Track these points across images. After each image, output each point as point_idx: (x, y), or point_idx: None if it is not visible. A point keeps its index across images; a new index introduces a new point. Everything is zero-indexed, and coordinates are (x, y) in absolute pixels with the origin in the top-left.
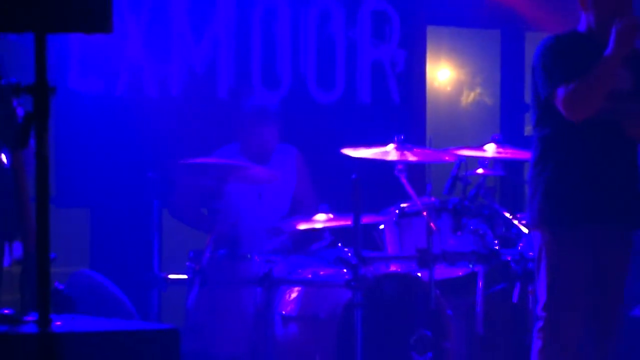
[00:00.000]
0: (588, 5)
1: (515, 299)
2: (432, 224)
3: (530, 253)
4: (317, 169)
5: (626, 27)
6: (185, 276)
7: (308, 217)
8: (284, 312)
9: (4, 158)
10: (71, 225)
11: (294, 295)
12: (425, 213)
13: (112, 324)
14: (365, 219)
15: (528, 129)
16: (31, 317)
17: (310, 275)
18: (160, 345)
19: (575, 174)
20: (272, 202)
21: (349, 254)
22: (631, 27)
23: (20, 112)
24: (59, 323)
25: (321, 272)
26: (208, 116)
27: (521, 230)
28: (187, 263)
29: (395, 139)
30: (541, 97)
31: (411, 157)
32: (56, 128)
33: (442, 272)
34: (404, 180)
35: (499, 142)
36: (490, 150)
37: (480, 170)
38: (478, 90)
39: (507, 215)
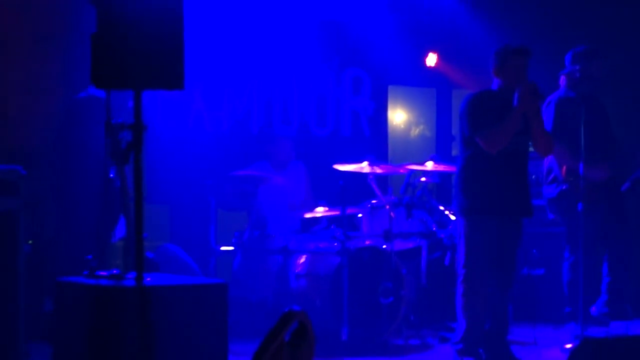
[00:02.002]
0: (498, 73)
1: (447, 262)
2: (392, 214)
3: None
4: (318, 178)
5: (525, 91)
6: (232, 248)
7: (311, 210)
8: (296, 272)
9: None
10: (158, 215)
11: (302, 260)
12: (387, 206)
13: (184, 279)
14: (349, 210)
15: (454, 152)
16: (131, 275)
17: (313, 247)
18: (215, 293)
19: (483, 180)
20: (289, 199)
21: (339, 233)
22: (528, 91)
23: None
24: (149, 279)
25: (320, 245)
26: (245, 144)
27: (450, 218)
28: (233, 239)
29: (368, 158)
30: (466, 133)
31: (378, 170)
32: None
33: (399, 245)
34: (373, 185)
35: (436, 160)
36: (430, 165)
37: (423, 179)
38: (422, 126)
39: (441, 208)
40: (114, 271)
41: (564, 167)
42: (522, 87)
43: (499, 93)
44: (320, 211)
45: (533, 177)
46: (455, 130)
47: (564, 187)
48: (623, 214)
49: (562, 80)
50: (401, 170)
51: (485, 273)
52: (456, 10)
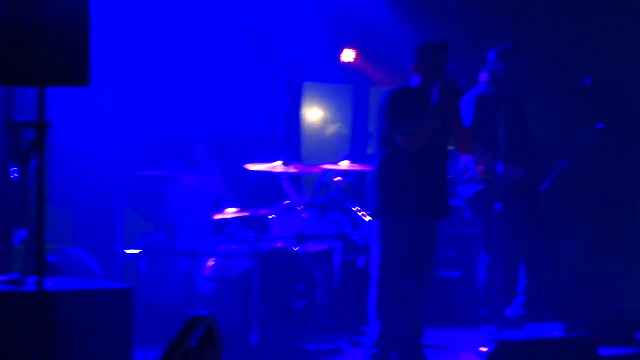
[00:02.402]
0: (417, 69)
1: (360, 265)
2: (305, 215)
3: (370, 234)
4: (230, 178)
5: (443, 87)
6: (138, 251)
7: (221, 211)
8: (205, 275)
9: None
10: (60, 217)
11: (211, 263)
12: (300, 207)
13: (87, 284)
14: (261, 212)
15: (370, 150)
16: (31, 280)
17: (223, 249)
18: (120, 298)
19: (400, 179)
20: (199, 200)
21: (250, 235)
22: (447, 86)
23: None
24: (50, 284)
25: (231, 247)
26: (156, 143)
27: (364, 219)
28: (139, 242)
29: (282, 158)
30: (385, 131)
31: (292, 170)
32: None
33: (312, 247)
34: (286, 186)
35: (351, 159)
36: (345, 164)
37: (338, 178)
38: (338, 124)
39: (356, 208)
40: (14, 275)
41: (481, 167)
42: (440, 83)
43: (419, 90)
44: (231, 212)
45: (450, 176)
46: (372, 128)
47: (480, 187)
48: (540, 215)
49: (483, 77)
50: (315, 170)
51: (401, 275)
52: (374, 5)
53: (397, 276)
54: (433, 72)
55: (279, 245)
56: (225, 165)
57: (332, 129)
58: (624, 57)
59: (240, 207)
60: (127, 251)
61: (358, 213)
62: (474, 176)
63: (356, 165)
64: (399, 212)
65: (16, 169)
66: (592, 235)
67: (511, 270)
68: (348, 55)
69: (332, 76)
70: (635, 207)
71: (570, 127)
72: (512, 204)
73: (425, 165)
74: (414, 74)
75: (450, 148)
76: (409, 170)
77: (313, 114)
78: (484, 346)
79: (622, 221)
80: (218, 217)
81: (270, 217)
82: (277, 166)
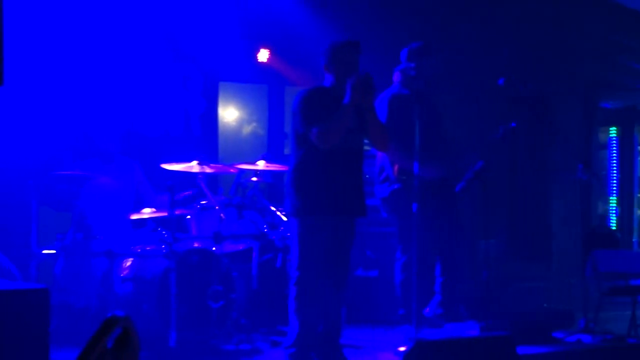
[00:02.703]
0: (329, 69)
1: (278, 264)
2: (222, 215)
3: (288, 233)
4: (145, 178)
5: (357, 83)
6: (54, 251)
7: (138, 210)
8: (122, 275)
9: None
10: None
11: (128, 263)
12: (217, 207)
13: (2, 285)
14: (178, 212)
15: (286, 150)
16: None
17: (139, 250)
18: (36, 299)
19: (316, 179)
20: (116, 199)
21: (167, 235)
22: (360, 82)
23: None
24: None
25: (147, 248)
26: (73, 142)
27: (281, 218)
28: (55, 242)
29: (198, 158)
30: (299, 131)
31: (208, 170)
32: None
33: (229, 247)
34: (203, 185)
35: (267, 159)
36: (261, 164)
37: (254, 178)
38: (254, 124)
39: (273, 208)
40: None
41: (396, 166)
42: (353, 80)
43: (332, 89)
44: (147, 212)
45: (366, 176)
46: (287, 128)
47: (395, 187)
48: (456, 214)
49: (396, 76)
50: (232, 170)
51: (319, 275)
52: (289, 5)
53: (316, 275)
54: (345, 71)
55: (196, 245)
56: (142, 165)
57: (248, 129)
58: (538, 57)
59: (157, 207)
60: (43, 251)
61: (275, 213)
62: (390, 175)
63: (272, 165)
64: (315, 211)
65: None
66: (507, 234)
67: (428, 269)
68: (263, 55)
69: (248, 76)
70: (549, 206)
71: (485, 127)
72: (428, 204)
73: (341, 164)
74: (326, 74)
75: (366, 148)
76: (325, 169)
77: (229, 114)
78: (402, 345)
79: (537, 220)
80: (135, 217)
81: (187, 217)
82: (193, 166)
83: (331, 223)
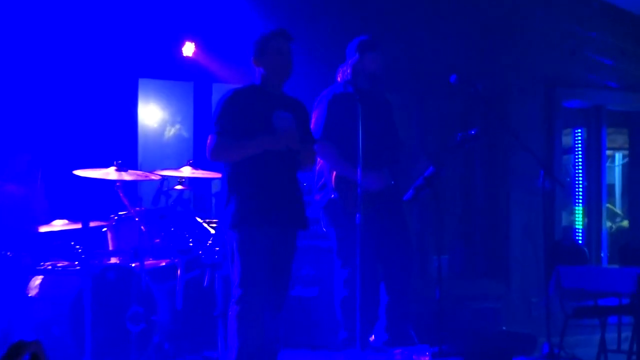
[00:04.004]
0: (259, 62)
1: (206, 283)
2: (142, 227)
3: (217, 248)
4: (57, 187)
5: (286, 132)
6: None
7: (48, 222)
8: (30, 295)
9: None
10: None
11: (37, 282)
12: (137, 219)
13: None
14: (93, 224)
15: None
16: None
17: (50, 266)
18: None
19: (254, 188)
20: (23, 212)
21: (80, 250)
22: (289, 131)
23: None
24: None
25: (59, 264)
26: None
27: (209, 231)
28: None
29: (115, 163)
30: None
31: (126, 177)
32: None
33: (151, 263)
34: (121, 194)
35: (193, 165)
36: (187, 171)
37: (179, 186)
38: (178, 126)
39: (200, 220)
40: None
41: (334, 173)
42: (283, 132)
43: (262, 87)
44: (59, 225)
45: (305, 184)
46: None
47: (333, 196)
48: (403, 226)
49: (341, 74)
50: (153, 177)
51: (261, 291)
52: None
53: (259, 292)
54: (276, 62)
55: (114, 261)
56: (51, 172)
57: (171, 131)
58: (492, 50)
59: (69, 219)
60: None
61: (203, 225)
62: (328, 183)
63: (199, 171)
64: (255, 222)
65: None
66: (462, 248)
67: (372, 287)
68: (188, 49)
69: (171, 72)
70: (508, 217)
71: (440, 129)
72: (371, 214)
73: (280, 170)
74: (256, 68)
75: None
76: (263, 175)
77: (150, 114)
78: None
79: (494, 232)
80: (44, 229)
81: (103, 230)
82: (110, 172)
83: (272, 235)
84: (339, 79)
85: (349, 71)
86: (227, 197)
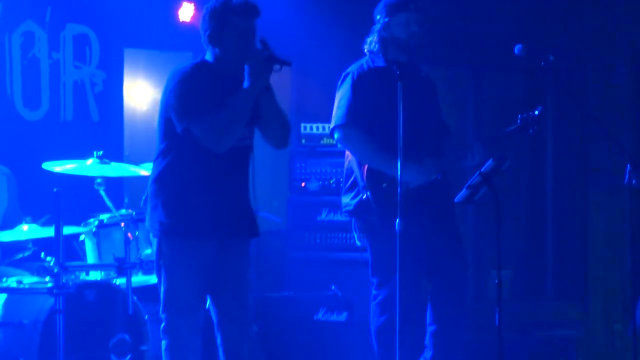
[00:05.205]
0: (214, 40)
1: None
2: (129, 234)
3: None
4: (22, 183)
5: (258, 61)
6: None
7: (11, 228)
8: None
9: None
10: None
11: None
12: (122, 224)
13: None
14: (67, 230)
15: None
16: None
17: (15, 284)
18: None
19: (192, 194)
20: None
21: (52, 263)
22: (262, 61)
23: None
24: None
25: (25, 281)
26: None
27: None
28: None
29: (95, 154)
30: (176, 126)
31: (109, 172)
32: None
33: (140, 279)
34: (102, 193)
35: None
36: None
37: None
38: None
39: None
40: None
41: (365, 167)
42: (252, 56)
43: (215, 65)
44: (24, 231)
45: (331, 181)
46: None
47: (365, 196)
48: (454, 234)
49: (368, 45)
50: (142, 172)
51: (189, 318)
52: None
53: (185, 318)
54: (237, 42)
55: (93, 277)
56: (17, 165)
57: None
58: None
59: (37, 224)
60: None
61: None
62: (358, 181)
63: None
64: (191, 233)
65: None
66: (527, 262)
67: (415, 311)
68: (186, 12)
69: (164, 40)
70: (586, 223)
71: (498, 113)
72: (415, 220)
73: (225, 170)
74: (208, 45)
75: (329, 142)
76: (199, 182)
77: (139, 92)
78: None
79: (569, 242)
80: (7, 238)
81: (80, 239)
82: (89, 166)
83: (209, 248)
84: (365, 52)
85: (376, 40)
86: (154, 200)
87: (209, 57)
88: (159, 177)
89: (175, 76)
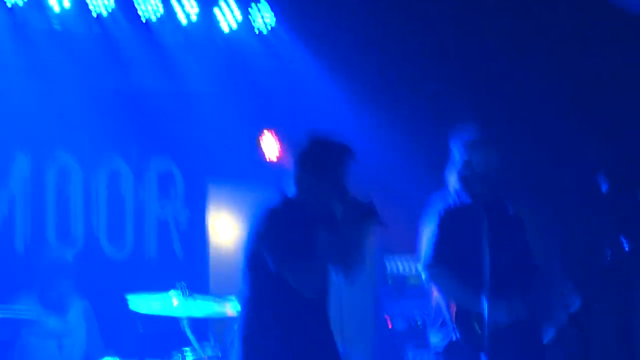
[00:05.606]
0: (302, 175)
1: None
2: None
3: None
4: (107, 320)
5: (354, 213)
6: None
7: None
8: None
9: None
10: None
11: None
12: None
13: None
14: None
15: None
16: None
17: None
18: None
19: (284, 343)
20: (71, 353)
21: None
22: (360, 214)
23: None
24: None
25: None
26: (5, 269)
27: None
28: None
29: (177, 285)
30: (271, 269)
31: (195, 312)
32: None
33: None
34: (188, 332)
35: None
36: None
37: None
38: None
39: None
40: None
41: (454, 307)
42: (349, 205)
43: (305, 204)
44: None
45: (418, 321)
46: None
47: (454, 337)
48: None
49: (450, 180)
50: (229, 312)
51: None
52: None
53: None
54: (331, 187)
55: None
56: (103, 301)
57: None
58: None
59: (121, 357)
60: None
61: None
62: (448, 319)
63: None
64: None
65: None
66: None
67: None
68: (269, 147)
69: (248, 175)
70: None
71: (585, 247)
72: (502, 358)
73: (314, 313)
74: (294, 179)
75: (416, 281)
76: (294, 320)
77: (223, 227)
78: None
79: None
80: None
81: None
82: (174, 303)
83: None
84: (449, 188)
85: (458, 177)
86: (242, 346)
87: (295, 193)
88: (248, 322)
89: (266, 216)
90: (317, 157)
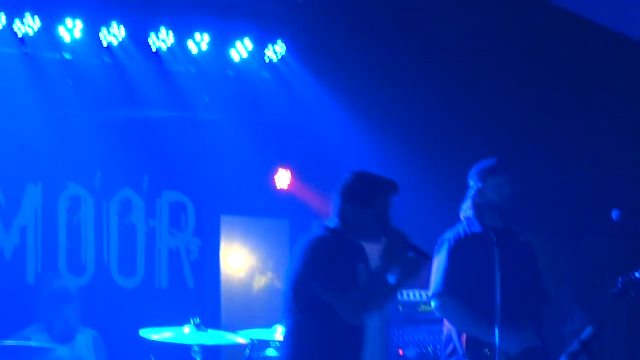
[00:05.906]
0: (346, 207)
1: None
2: None
3: None
4: (118, 350)
5: (397, 244)
6: None
7: None
8: None
9: None
10: None
11: None
12: None
13: None
14: None
15: None
16: None
17: None
18: None
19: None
20: None
21: None
22: (402, 246)
23: None
24: None
25: None
26: (16, 299)
27: None
28: None
29: (192, 321)
30: (318, 297)
31: (206, 340)
32: None
33: None
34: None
35: None
36: (281, 332)
37: (271, 351)
38: (269, 274)
39: None
40: None
41: (464, 336)
42: (393, 236)
43: (340, 233)
44: None
45: (429, 348)
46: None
47: None
48: None
49: (463, 211)
50: (240, 341)
51: None
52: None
53: None
54: (375, 220)
55: None
56: (114, 331)
57: (261, 281)
58: None
59: None
60: None
61: None
62: (458, 349)
63: None
64: None
65: None
66: None
67: None
68: (282, 179)
69: (260, 208)
70: None
71: (598, 278)
72: None
73: (358, 341)
74: (339, 211)
75: (427, 309)
76: (334, 345)
77: (235, 259)
78: None
79: None
80: None
81: None
82: (186, 333)
83: None
84: (461, 218)
85: (470, 205)
86: None
87: (338, 225)
88: (295, 351)
89: (315, 245)
90: (362, 191)
